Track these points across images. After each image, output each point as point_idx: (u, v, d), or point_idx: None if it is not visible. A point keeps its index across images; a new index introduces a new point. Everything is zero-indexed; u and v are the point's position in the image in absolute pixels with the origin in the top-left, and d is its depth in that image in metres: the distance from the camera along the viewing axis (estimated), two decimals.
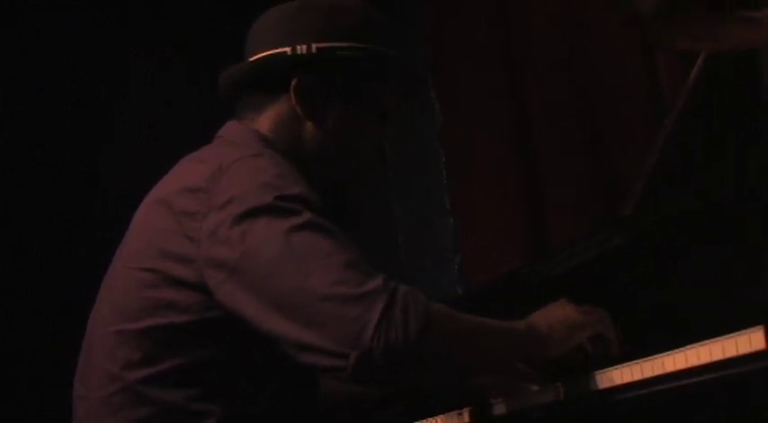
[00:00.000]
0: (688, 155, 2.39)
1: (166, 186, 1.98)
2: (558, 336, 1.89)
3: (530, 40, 3.61)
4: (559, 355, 1.90)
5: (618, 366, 1.75)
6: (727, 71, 2.40)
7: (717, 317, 1.74)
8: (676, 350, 1.63)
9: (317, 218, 1.81)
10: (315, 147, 2.02)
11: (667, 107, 2.99)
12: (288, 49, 2.00)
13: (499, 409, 2.03)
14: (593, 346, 1.91)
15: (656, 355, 1.67)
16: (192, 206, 1.87)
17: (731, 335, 1.55)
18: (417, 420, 2.27)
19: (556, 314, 1.91)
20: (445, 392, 2.17)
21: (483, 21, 3.77)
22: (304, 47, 1.99)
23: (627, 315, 2.00)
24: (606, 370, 1.77)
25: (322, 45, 1.99)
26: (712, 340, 1.57)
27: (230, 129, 2.07)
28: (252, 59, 2.05)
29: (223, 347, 1.86)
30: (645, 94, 3.24)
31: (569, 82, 3.48)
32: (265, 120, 2.04)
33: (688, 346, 1.61)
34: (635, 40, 3.23)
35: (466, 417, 2.12)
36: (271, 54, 2.01)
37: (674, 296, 1.91)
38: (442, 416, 2.19)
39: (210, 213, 1.84)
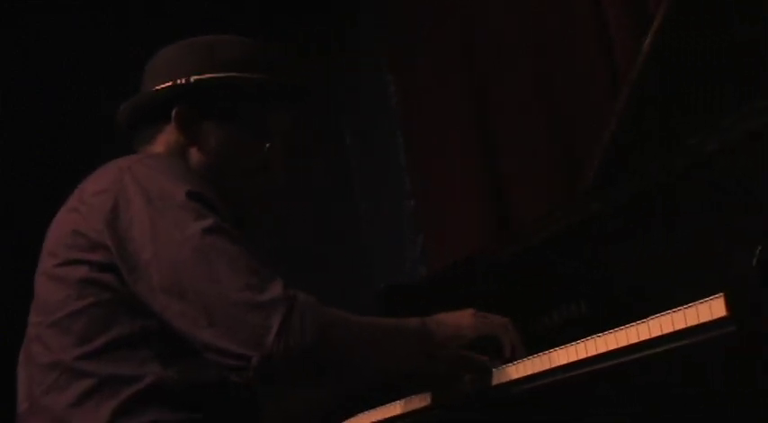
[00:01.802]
0: (645, 125, 2.40)
1: (74, 198, 2.10)
2: (446, 332, 2.03)
3: (489, 22, 3.60)
4: (451, 349, 2.03)
5: (586, 339, 1.76)
6: (681, 40, 2.41)
7: (678, 287, 1.75)
8: (639, 321, 1.65)
9: (224, 223, 1.94)
10: (202, 170, 2.15)
11: (620, 79, 3.00)
12: (170, 84, 2.19)
13: (468, 388, 2.03)
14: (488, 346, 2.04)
15: (618, 328, 1.68)
16: (98, 204, 2.00)
17: (693, 304, 1.56)
18: (381, 405, 2.31)
19: (450, 315, 2.07)
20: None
21: (440, 2, 3.76)
22: (183, 80, 2.19)
23: (589, 289, 2.02)
24: (576, 343, 1.78)
25: (199, 77, 2.19)
26: (674, 310, 1.59)
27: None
28: (144, 94, 2.23)
29: (152, 315, 1.95)
30: (602, 73, 3.25)
31: (528, 64, 3.49)
32: (158, 147, 2.20)
33: (650, 317, 1.63)
34: (592, 16, 3.24)
35: (428, 399, 2.14)
36: (155, 89, 2.20)
37: (635, 268, 1.92)
38: (403, 400, 2.22)
39: (118, 209, 1.97)
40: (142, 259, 1.92)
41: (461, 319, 2.06)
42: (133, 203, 1.96)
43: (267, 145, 2.22)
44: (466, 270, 2.53)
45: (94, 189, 2.04)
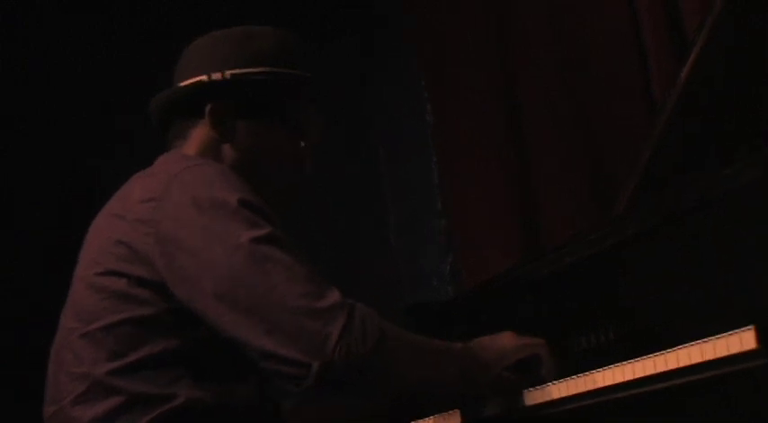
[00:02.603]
0: (680, 152, 2.38)
1: (119, 202, 2.06)
2: (489, 356, 2.00)
3: (524, 41, 3.60)
4: (495, 372, 2.00)
5: (614, 365, 1.75)
6: (720, 69, 2.40)
7: (708, 317, 1.74)
8: (668, 350, 1.63)
9: (276, 230, 1.92)
10: (236, 166, 2.10)
11: (657, 106, 2.99)
12: (204, 77, 2.14)
13: (491, 409, 2.02)
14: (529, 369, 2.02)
15: (647, 356, 1.67)
16: (145, 214, 1.96)
17: (722, 335, 1.54)
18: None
19: (492, 338, 2.04)
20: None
21: (477, 20, 3.76)
22: (219, 74, 2.13)
23: (618, 315, 2.00)
24: (603, 369, 1.76)
25: (234, 71, 2.13)
26: (704, 340, 1.57)
27: (162, 159, 2.16)
28: (176, 88, 2.17)
29: (187, 335, 1.93)
30: (638, 93, 3.25)
31: (563, 82, 3.48)
32: (190, 145, 2.15)
33: (680, 346, 1.61)
34: (630, 39, 3.23)
35: (457, 417, 2.12)
36: (190, 83, 2.15)
37: (666, 296, 1.91)
38: (434, 416, 2.20)
39: (167, 219, 1.93)
40: (193, 268, 1.89)
41: (503, 342, 2.03)
42: (183, 213, 1.93)
43: (302, 143, 2.17)
44: (493, 290, 2.52)
45: (142, 196, 2.00)
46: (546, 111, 3.53)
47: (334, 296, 1.86)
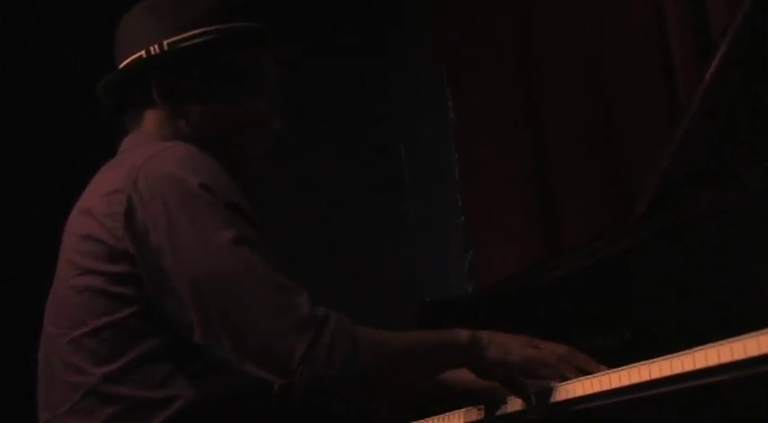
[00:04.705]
0: (701, 155, 2.38)
1: (87, 197, 1.99)
2: (493, 354, 1.93)
3: (548, 42, 3.61)
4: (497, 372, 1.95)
5: (641, 363, 1.74)
6: (742, 72, 2.39)
7: (726, 320, 1.73)
8: (696, 349, 1.62)
9: (247, 229, 1.85)
10: (197, 139, 1.99)
11: (681, 106, 2.99)
12: (143, 53, 2.01)
13: (513, 406, 2.01)
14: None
15: (675, 354, 1.66)
16: (111, 208, 1.88)
17: (740, 337, 1.54)
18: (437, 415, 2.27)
19: (502, 336, 1.96)
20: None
21: (500, 18, 3.76)
22: (156, 47, 2.00)
23: (643, 316, 2.00)
24: (631, 366, 1.76)
25: (171, 40, 2.00)
26: (720, 343, 1.57)
27: (129, 142, 2.08)
28: (117, 70, 2.06)
29: (171, 331, 1.87)
30: (658, 95, 3.25)
31: (584, 84, 3.49)
32: (148, 126, 2.05)
33: (695, 349, 1.61)
34: (655, 54, 3.23)
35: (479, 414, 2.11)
36: (129, 62, 2.03)
37: (689, 296, 1.91)
38: (463, 410, 2.18)
39: (134, 211, 1.86)
40: (163, 267, 1.84)
41: (512, 344, 1.95)
42: (149, 206, 1.85)
43: (263, 100, 2.06)
44: (509, 290, 2.52)
45: (107, 189, 1.92)
46: (567, 112, 3.54)
47: (303, 309, 1.80)
